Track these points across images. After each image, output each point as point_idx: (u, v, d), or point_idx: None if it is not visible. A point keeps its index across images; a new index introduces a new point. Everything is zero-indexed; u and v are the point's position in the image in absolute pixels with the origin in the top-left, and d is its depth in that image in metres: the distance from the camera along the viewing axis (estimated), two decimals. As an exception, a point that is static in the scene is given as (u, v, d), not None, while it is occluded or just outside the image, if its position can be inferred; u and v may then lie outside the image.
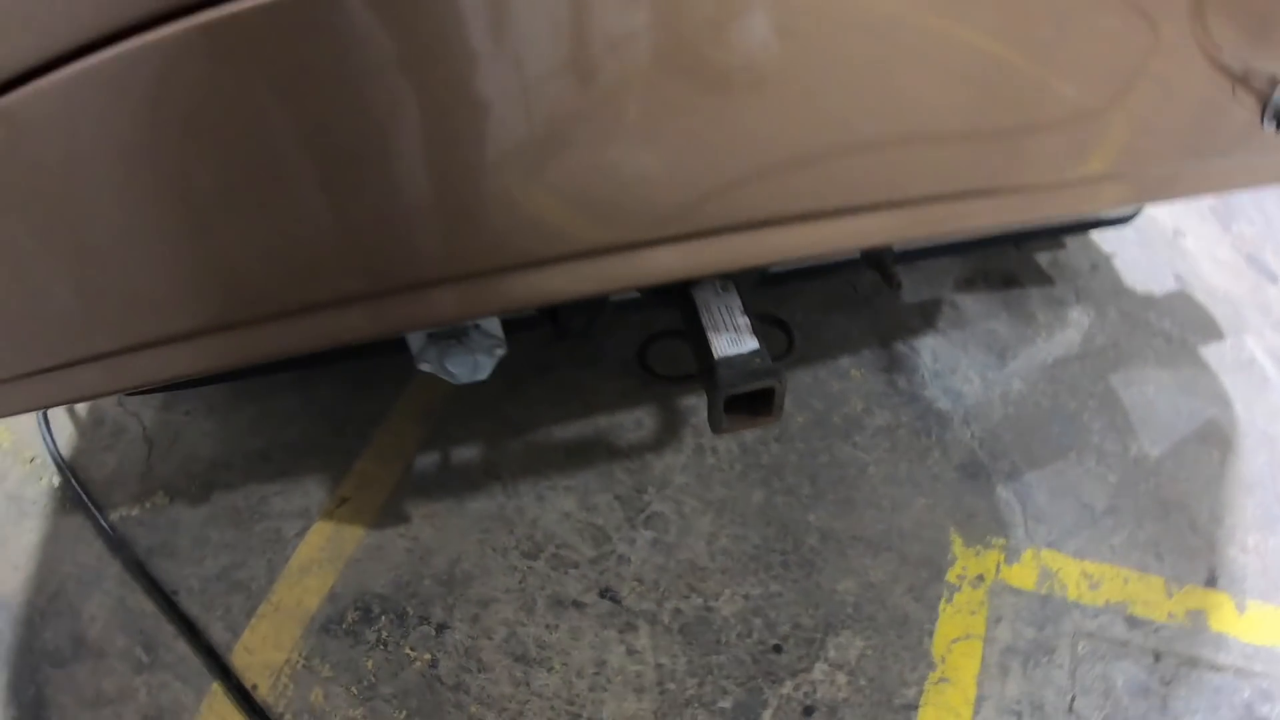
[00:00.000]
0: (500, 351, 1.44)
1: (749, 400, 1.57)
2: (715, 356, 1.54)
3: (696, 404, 2.18)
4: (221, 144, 0.99)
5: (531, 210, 1.06)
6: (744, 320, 1.60)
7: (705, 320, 1.58)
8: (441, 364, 1.41)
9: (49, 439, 2.73)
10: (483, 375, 1.44)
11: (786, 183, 1.10)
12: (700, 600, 1.91)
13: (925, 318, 2.37)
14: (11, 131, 1.02)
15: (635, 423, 2.16)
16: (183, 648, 2.12)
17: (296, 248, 1.08)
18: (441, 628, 1.94)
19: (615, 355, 2.36)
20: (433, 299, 1.14)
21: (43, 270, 1.26)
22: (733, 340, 1.56)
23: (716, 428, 1.58)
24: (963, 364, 2.29)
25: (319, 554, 2.11)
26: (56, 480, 2.68)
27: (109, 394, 1.75)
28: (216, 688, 2.04)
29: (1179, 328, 2.50)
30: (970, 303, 2.48)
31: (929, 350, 2.29)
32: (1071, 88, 1.17)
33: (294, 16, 0.90)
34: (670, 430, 2.15)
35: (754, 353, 1.56)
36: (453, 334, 1.38)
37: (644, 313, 1.88)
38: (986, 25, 1.05)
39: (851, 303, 2.47)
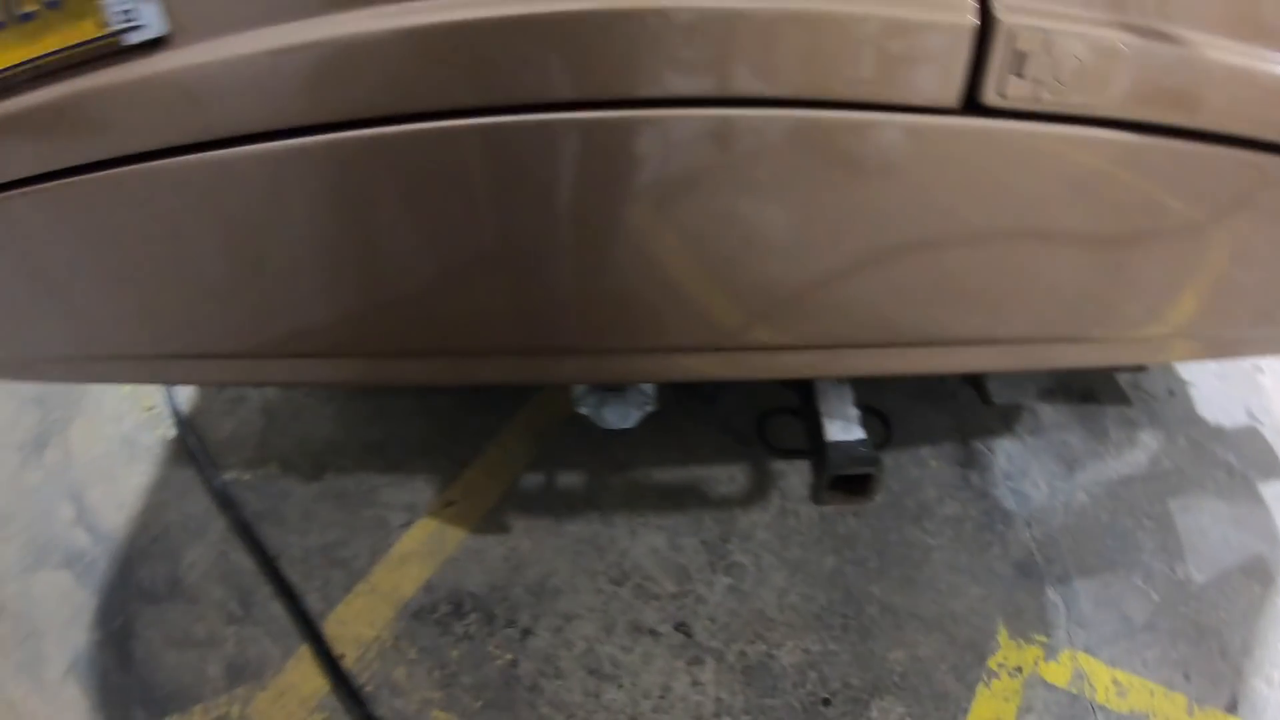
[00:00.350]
0: (649, 408, 1.68)
1: (849, 481, 1.80)
2: (827, 440, 1.77)
3: (785, 470, 2.39)
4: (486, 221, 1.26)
5: (712, 311, 1.32)
6: (854, 411, 1.82)
7: (821, 406, 1.81)
8: (598, 410, 1.66)
9: (170, 394, 2.97)
10: (629, 424, 1.69)
11: (925, 316, 1.35)
12: (764, 647, 2.13)
13: (1004, 420, 2.57)
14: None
15: (729, 477, 2.38)
16: (277, 609, 2.34)
17: (532, 308, 1.34)
18: (526, 633, 2.16)
19: (719, 413, 2.59)
20: (614, 364, 1.43)
21: (246, 284, 1.56)
22: (843, 427, 1.79)
23: (819, 501, 1.81)
24: (1033, 469, 2.49)
25: (420, 547, 2.34)
26: (172, 433, 2.91)
27: (250, 384, 2.02)
28: (305, 650, 2.27)
29: (1243, 462, 2.67)
30: (1048, 412, 2.68)
31: (1004, 452, 2.49)
32: (1155, 266, 1.39)
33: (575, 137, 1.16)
34: (759, 490, 2.36)
35: (861, 441, 1.78)
36: (614, 387, 1.63)
37: (759, 385, 2.10)
38: (1092, 223, 1.29)
39: (939, 397, 2.68)
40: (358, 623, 2.27)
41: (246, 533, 2.53)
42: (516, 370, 1.57)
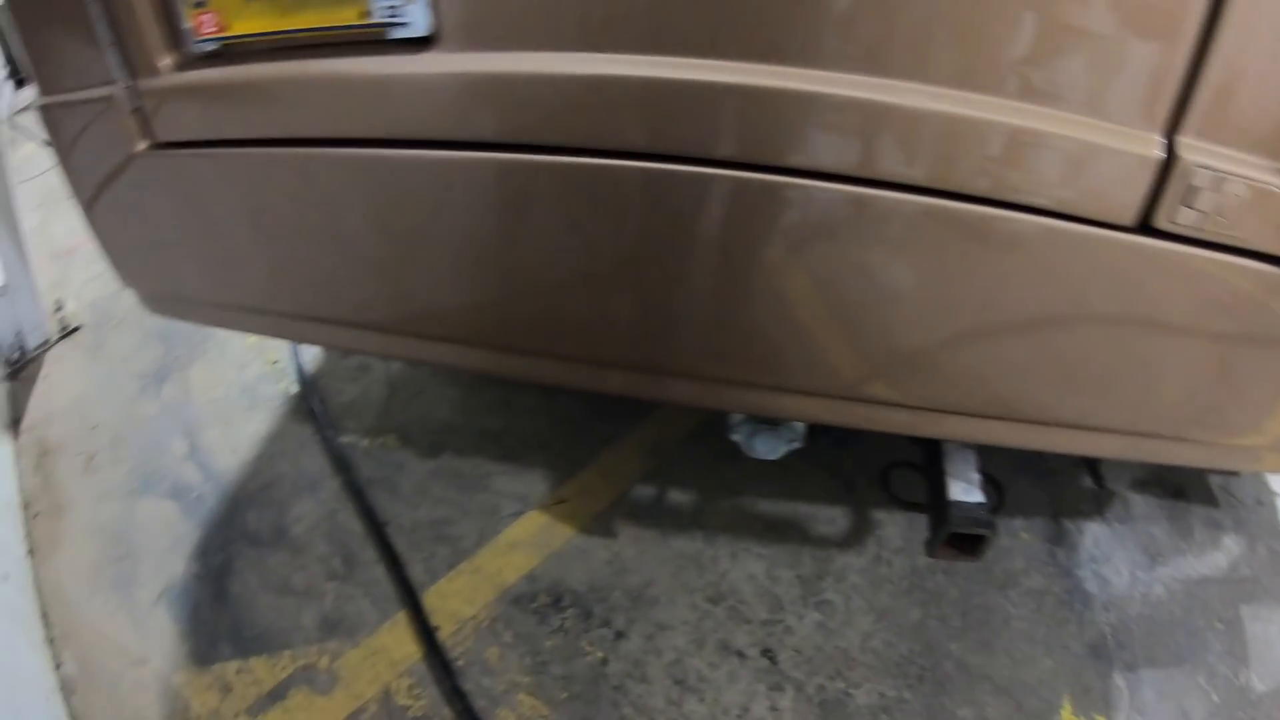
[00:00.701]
0: (797, 445, 1.82)
1: (962, 539, 1.93)
2: (950, 498, 1.90)
3: (884, 520, 2.51)
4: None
5: (842, 362, 1.51)
6: (976, 476, 1.95)
7: (947, 466, 1.94)
8: (749, 439, 1.80)
9: (296, 353, 3.12)
10: (773, 456, 1.83)
11: (1051, 397, 1.51)
12: (843, 684, 2.25)
13: (1096, 504, 2.68)
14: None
15: (830, 518, 2.51)
16: (379, 573, 2.50)
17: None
18: (619, 635, 2.30)
19: (831, 455, 2.71)
20: (731, 394, 1.65)
21: (397, 265, 1.79)
22: (965, 489, 1.91)
23: (931, 553, 1.94)
24: (1117, 556, 2.59)
25: (528, 538, 2.48)
26: (294, 389, 3.07)
27: (379, 356, 2.21)
28: (401, 616, 2.42)
29: (1317, 581, 2.77)
30: (1139, 503, 2.78)
31: (1092, 534, 2.60)
32: (1266, 382, 1.52)
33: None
34: (857, 535, 2.49)
35: (980, 504, 1.91)
36: (768, 420, 1.77)
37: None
38: (1222, 338, 1.43)
39: (1040, 472, 2.79)
40: (457, 599, 2.41)
41: (358, 496, 2.68)
42: (638, 385, 1.76)
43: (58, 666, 2.50)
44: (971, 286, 1.36)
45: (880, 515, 2.50)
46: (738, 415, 1.84)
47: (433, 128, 1.48)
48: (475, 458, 2.74)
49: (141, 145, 1.83)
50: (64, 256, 4.71)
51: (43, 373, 3.81)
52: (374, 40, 1.46)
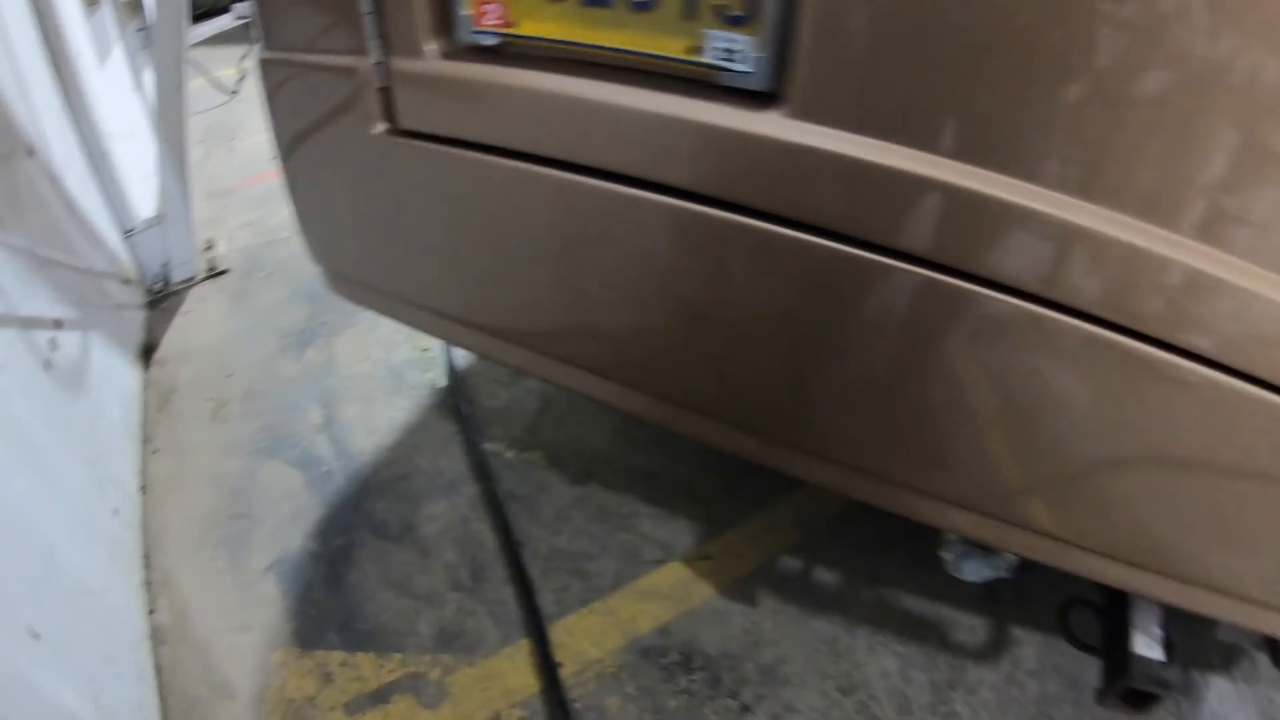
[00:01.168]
0: (1004, 575, 1.73)
1: (1136, 694, 1.84)
2: (1132, 651, 1.81)
3: (1021, 639, 2.41)
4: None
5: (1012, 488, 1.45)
6: (1159, 632, 1.86)
7: (1133, 618, 1.85)
8: (958, 560, 1.73)
9: (449, 346, 3.09)
10: (977, 579, 1.75)
11: (1221, 563, 1.42)
12: (959, 806, 2.16)
13: (1225, 657, 2.56)
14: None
15: (971, 627, 2.42)
16: (507, 595, 2.45)
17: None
18: (745, 709, 2.23)
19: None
20: (936, 510, 1.58)
21: (571, 292, 1.77)
22: (1148, 644, 1.83)
23: (1101, 702, 1.86)
24: (1237, 716, 2.48)
25: (666, 588, 2.42)
26: (442, 382, 3.04)
27: (532, 375, 2.15)
28: (524, 644, 2.36)
29: None
30: (1265, 665, 2.66)
31: (1216, 689, 2.48)
32: None
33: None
34: (995, 649, 2.39)
35: (1161, 663, 1.82)
36: (984, 546, 1.69)
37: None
38: None
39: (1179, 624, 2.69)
40: (585, 639, 2.36)
41: (496, 509, 2.64)
42: (787, 460, 1.72)
43: (150, 612, 2.48)
44: (1136, 422, 1.28)
45: (1019, 632, 2.41)
46: (951, 535, 1.76)
47: (734, 189, 1.40)
48: (623, 494, 2.68)
49: (379, 128, 1.78)
50: (221, 196, 4.76)
51: (183, 308, 3.84)
52: (693, 79, 1.37)
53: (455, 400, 3.07)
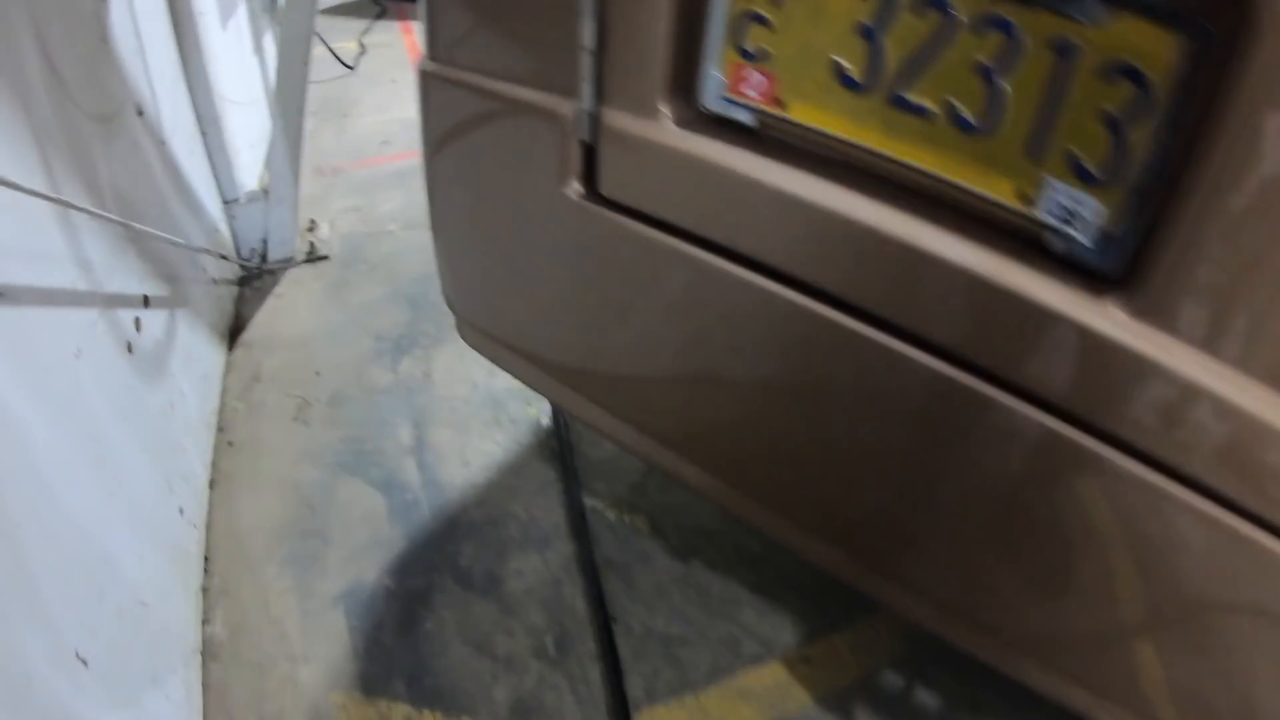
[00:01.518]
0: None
1: None
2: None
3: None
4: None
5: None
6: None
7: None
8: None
9: (559, 385, 2.94)
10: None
11: None
12: None
13: None
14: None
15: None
16: (593, 673, 2.30)
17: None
18: (828, 838, 2.06)
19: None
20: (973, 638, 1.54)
21: (685, 380, 1.64)
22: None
23: None
24: None
25: (762, 690, 2.27)
26: (545, 422, 2.89)
27: (629, 451, 2.01)
28: (606, 729, 2.15)
29: None
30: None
31: None
32: None
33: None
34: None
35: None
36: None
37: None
38: None
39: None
40: (673, 733, 2.19)
41: (591, 575, 2.49)
42: (878, 588, 1.61)
43: (205, 623, 2.35)
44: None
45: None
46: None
47: (1021, 372, 1.16)
48: (727, 578, 2.52)
49: (572, 189, 1.53)
50: (327, 175, 4.65)
51: (277, 289, 3.73)
52: (1008, 230, 1.10)
53: (559, 445, 2.92)
